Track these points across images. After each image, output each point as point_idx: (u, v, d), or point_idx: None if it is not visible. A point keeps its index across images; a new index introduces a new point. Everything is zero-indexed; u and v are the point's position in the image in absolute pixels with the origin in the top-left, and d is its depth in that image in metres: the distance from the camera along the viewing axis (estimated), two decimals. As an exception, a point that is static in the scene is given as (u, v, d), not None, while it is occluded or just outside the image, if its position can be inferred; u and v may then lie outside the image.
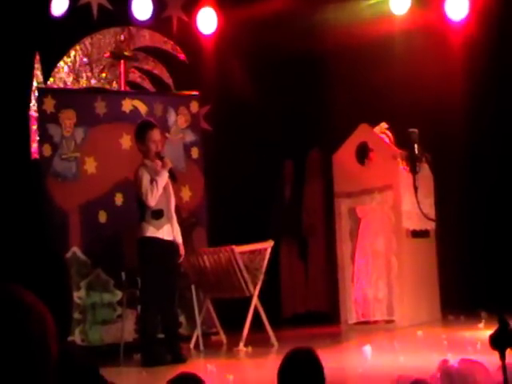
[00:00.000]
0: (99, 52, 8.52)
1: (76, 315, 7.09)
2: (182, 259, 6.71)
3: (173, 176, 6.54)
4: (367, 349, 6.21)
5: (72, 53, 8.44)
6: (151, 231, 6.44)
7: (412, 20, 8.44)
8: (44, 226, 7.24)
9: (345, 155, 8.00)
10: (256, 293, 7.03)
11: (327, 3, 8.68)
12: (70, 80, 8.40)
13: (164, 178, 6.46)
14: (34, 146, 7.77)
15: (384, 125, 7.93)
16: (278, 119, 8.85)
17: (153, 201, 6.40)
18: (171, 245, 6.55)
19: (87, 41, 8.51)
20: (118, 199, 7.49)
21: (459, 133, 8.26)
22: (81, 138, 7.47)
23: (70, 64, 8.43)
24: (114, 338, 7.08)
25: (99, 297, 7.23)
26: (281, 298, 9.04)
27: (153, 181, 6.43)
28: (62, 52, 8.37)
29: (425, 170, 7.85)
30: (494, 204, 8.23)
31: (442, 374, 4.51)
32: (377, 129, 7.97)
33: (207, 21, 8.71)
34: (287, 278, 9.08)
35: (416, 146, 7.69)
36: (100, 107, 7.60)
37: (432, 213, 7.78)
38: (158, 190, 6.40)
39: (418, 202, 7.61)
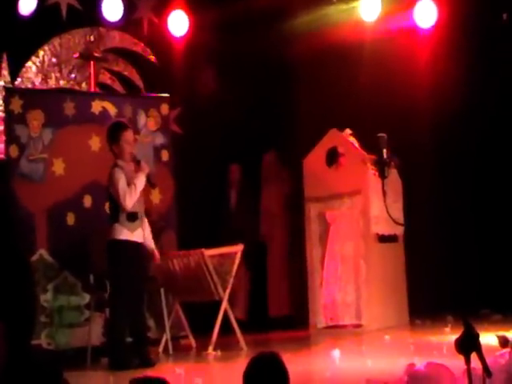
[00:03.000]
0: (68, 52, 8.44)
1: (42, 318, 7.02)
2: (156, 263, 6.67)
3: (151, 183, 6.53)
4: (335, 353, 6.25)
5: (40, 53, 8.36)
6: (125, 234, 6.40)
7: (381, 27, 8.51)
8: (10, 227, 7.15)
9: (315, 160, 8.03)
10: (226, 297, 7.02)
11: (298, 8, 8.70)
12: (38, 80, 8.31)
13: (142, 182, 6.44)
14: (1, 146, 7.67)
15: (348, 131, 7.98)
16: (242, 122, 8.84)
17: (130, 204, 6.37)
18: (142, 248, 6.52)
19: (56, 41, 8.43)
20: (87, 201, 7.43)
21: (427, 137, 8.36)
22: (49, 139, 7.40)
23: (38, 64, 8.34)
24: (81, 342, 7.01)
25: (66, 300, 7.15)
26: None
27: (130, 183, 6.39)
28: (30, 52, 8.28)
29: (393, 174, 7.90)
30: (461, 209, 8.33)
31: (408, 377, 4.55)
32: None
33: (178, 23, 8.67)
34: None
35: (384, 150, 7.74)
36: (69, 108, 7.53)
37: (400, 217, 7.84)
38: (137, 194, 6.38)
39: (386, 207, 7.67)
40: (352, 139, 7.96)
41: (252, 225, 8.76)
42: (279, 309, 8.78)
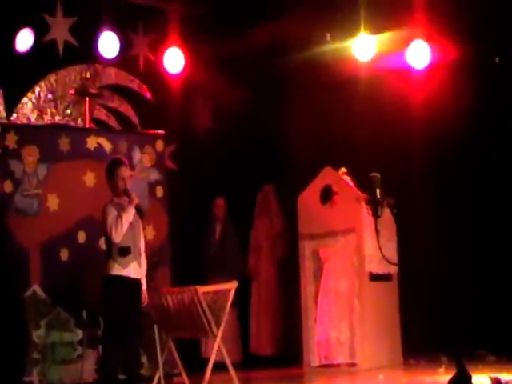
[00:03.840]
0: (64, 89, 8.48)
1: (35, 355, 6.97)
2: (145, 304, 6.62)
3: (140, 211, 6.49)
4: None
5: (36, 89, 8.39)
6: (117, 269, 6.35)
7: (376, 66, 8.60)
8: (3, 263, 7.11)
9: (309, 197, 8.05)
10: (219, 334, 6.97)
11: (293, 46, 8.79)
12: (33, 116, 8.34)
13: (130, 214, 6.40)
14: (-4, 182, 7.67)
15: (342, 169, 8.02)
16: (236, 158, 8.87)
17: (117, 237, 6.31)
18: (137, 283, 6.46)
19: (52, 77, 8.48)
20: (81, 237, 7.42)
21: (421, 176, 8.40)
22: (43, 174, 7.41)
23: (34, 100, 8.37)
24: (73, 379, 6.97)
25: (59, 336, 7.11)
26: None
27: (118, 217, 6.38)
28: (26, 88, 8.32)
29: (387, 214, 7.91)
30: (455, 249, 8.34)
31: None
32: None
33: (174, 60, 8.74)
34: None
35: (378, 190, 7.77)
36: (64, 144, 7.56)
37: (394, 257, 7.84)
38: (123, 225, 6.33)
39: (379, 247, 7.67)
40: (346, 178, 8.00)
41: (236, 260, 8.66)
42: (264, 348, 8.71)
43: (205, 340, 8.38)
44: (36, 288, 7.13)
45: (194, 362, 7.96)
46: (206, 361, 6.85)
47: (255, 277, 8.84)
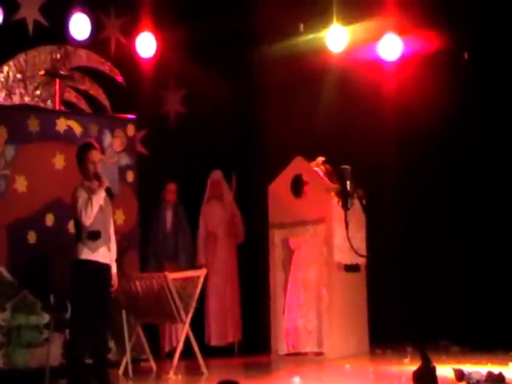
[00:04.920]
0: (34, 69, 8.34)
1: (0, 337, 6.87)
2: (114, 289, 6.56)
3: (110, 194, 6.42)
4: (296, 380, 6.24)
5: (5, 68, 8.24)
6: (86, 253, 6.28)
7: (348, 57, 8.64)
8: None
9: (280, 186, 8.06)
10: (188, 320, 6.96)
11: (266, 35, 8.78)
12: (2, 96, 8.19)
13: (100, 197, 6.33)
14: (-39, 162, 7.53)
15: (320, 158, 8.04)
16: (207, 145, 8.81)
17: (87, 219, 6.25)
18: (106, 268, 6.40)
19: (21, 57, 8.32)
20: (49, 220, 7.32)
21: (392, 168, 8.46)
22: (11, 155, 7.29)
23: (2, 79, 8.22)
24: (39, 362, 6.87)
25: (25, 319, 7.01)
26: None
27: (88, 199, 6.31)
28: (-6, 67, 8.19)
29: (356, 205, 7.93)
30: (422, 239, 8.42)
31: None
32: (314, 163, 8.07)
33: (146, 44, 8.66)
34: None
35: (348, 182, 7.78)
36: (33, 125, 7.45)
37: (363, 248, 7.88)
38: (93, 208, 6.26)
39: (348, 238, 7.69)
40: (323, 167, 8.01)
41: (189, 248, 8.52)
42: (221, 338, 8.50)
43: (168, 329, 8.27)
44: (2, 270, 7.02)
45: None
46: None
47: (210, 265, 8.46)
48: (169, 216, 8.48)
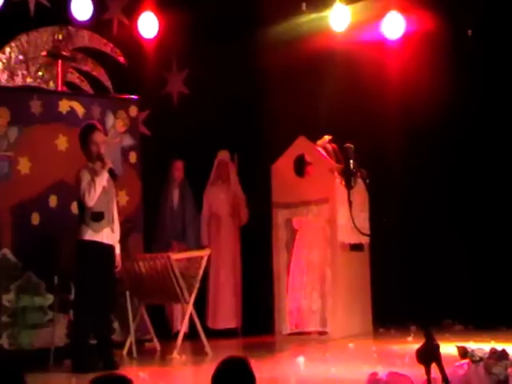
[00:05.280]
0: (36, 50, 8.32)
1: (5, 318, 6.90)
2: (118, 269, 6.58)
3: (112, 174, 6.44)
4: (300, 359, 6.26)
5: (7, 49, 8.22)
6: (90, 234, 6.32)
7: (351, 36, 8.59)
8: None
9: (283, 166, 8.05)
10: (191, 301, 6.99)
11: (268, 15, 8.73)
12: (4, 77, 8.17)
13: (103, 178, 6.36)
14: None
15: (327, 137, 8.02)
16: (211, 125, 8.75)
17: (90, 201, 6.28)
18: (109, 249, 6.44)
19: (23, 38, 8.30)
20: (53, 201, 7.32)
21: (395, 147, 8.44)
22: (14, 137, 7.27)
23: (4, 61, 8.20)
24: (44, 343, 6.89)
25: (30, 300, 7.03)
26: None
27: (91, 181, 6.33)
28: (-4, 48, 8.17)
29: (360, 185, 7.95)
30: (425, 220, 8.42)
31: (371, 386, 4.60)
32: (320, 142, 8.05)
33: (148, 25, 8.62)
34: None
35: (351, 161, 7.78)
36: (35, 106, 7.42)
37: (366, 227, 7.89)
38: (96, 190, 6.30)
39: (352, 217, 7.71)
40: (329, 145, 7.99)
41: (196, 226, 8.45)
42: (226, 321, 8.39)
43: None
44: (6, 252, 7.03)
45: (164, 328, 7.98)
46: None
47: (213, 247, 8.26)
48: (175, 194, 8.42)
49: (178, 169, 8.39)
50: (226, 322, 8.42)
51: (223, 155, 8.60)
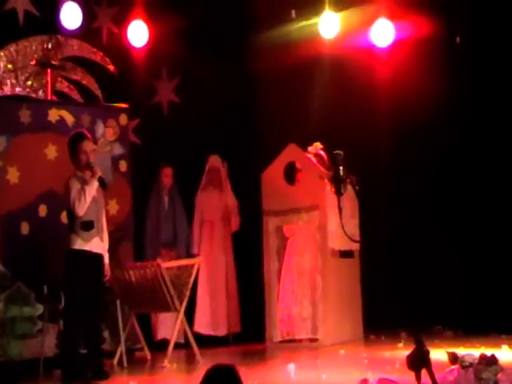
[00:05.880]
0: (25, 59, 8.31)
1: (-6, 329, 6.88)
2: (107, 279, 6.57)
3: (102, 183, 6.43)
4: (291, 367, 6.25)
5: (-4, 59, 8.23)
6: (79, 243, 6.30)
7: (340, 43, 8.62)
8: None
9: (273, 174, 8.06)
10: (182, 309, 6.97)
11: (258, 22, 8.76)
12: (-7, 87, 8.17)
13: (93, 187, 6.35)
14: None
15: (318, 145, 8.02)
16: (201, 134, 8.75)
17: (80, 210, 6.26)
18: (99, 258, 6.42)
19: (12, 47, 8.30)
20: (42, 211, 7.31)
21: (385, 154, 8.46)
22: (3, 146, 7.28)
23: (-7, 70, 8.21)
24: (33, 353, 6.87)
25: (19, 310, 7.01)
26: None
27: (81, 190, 6.32)
28: (-15, 57, 8.16)
29: (350, 191, 7.94)
30: (415, 227, 8.43)
31: (361, 393, 4.60)
32: (311, 148, 8.05)
33: (138, 33, 8.62)
34: None
35: (341, 167, 7.78)
36: (24, 116, 7.43)
37: (356, 234, 7.89)
38: (86, 199, 6.28)
39: (342, 224, 7.70)
40: (321, 153, 8.00)
41: (186, 234, 8.37)
42: (216, 328, 8.31)
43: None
44: (-5, 262, 7.02)
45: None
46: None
47: (206, 254, 8.32)
48: (165, 201, 8.35)
49: (167, 175, 8.32)
50: (220, 329, 8.35)
51: (214, 160, 8.52)
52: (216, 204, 8.49)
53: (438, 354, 5.61)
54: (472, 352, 5.30)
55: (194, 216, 8.51)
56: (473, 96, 8.32)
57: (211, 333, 8.35)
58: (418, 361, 4.88)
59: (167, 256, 7.97)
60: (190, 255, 8.19)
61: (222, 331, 8.36)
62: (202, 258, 7.98)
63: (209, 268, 8.37)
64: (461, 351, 5.55)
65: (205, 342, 7.97)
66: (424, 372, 4.78)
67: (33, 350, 6.91)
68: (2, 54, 8.24)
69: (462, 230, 8.35)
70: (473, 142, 8.41)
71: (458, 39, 8.56)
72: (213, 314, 8.40)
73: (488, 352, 5.05)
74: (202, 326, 8.34)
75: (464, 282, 8.27)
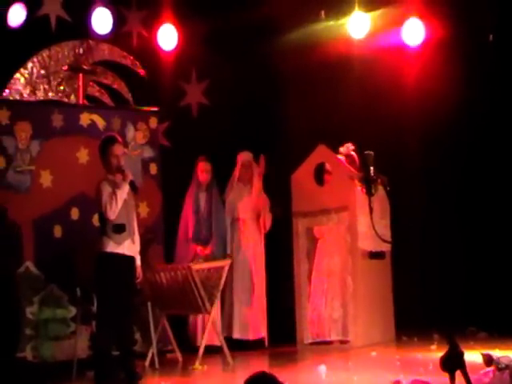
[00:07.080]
0: (57, 64, 8.43)
1: (28, 331, 6.98)
2: (139, 281, 6.61)
3: (133, 187, 6.46)
4: (322, 368, 6.24)
5: (29, 64, 8.33)
6: (111, 246, 6.34)
7: (370, 43, 8.58)
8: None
9: (303, 175, 8.05)
10: (213, 311, 7.00)
11: (287, 23, 8.75)
12: (26, 92, 8.28)
13: (124, 191, 6.38)
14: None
15: (350, 145, 8.00)
16: (230, 136, 8.74)
17: (112, 214, 6.30)
18: (131, 261, 6.46)
19: (45, 53, 8.41)
20: (74, 214, 7.40)
21: (415, 155, 8.41)
22: (36, 150, 7.39)
23: (26, 76, 8.31)
24: (66, 355, 6.97)
25: (52, 312, 7.11)
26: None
27: (113, 194, 6.37)
28: (19, 63, 8.26)
29: (380, 192, 7.91)
30: (448, 226, 8.37)
31: (394, 394, 4.58)
32: (343, 149, 8.03)
33: (167, 37, 8.67)
34: None
35: (372, 168, 7.75)
36: (57, 120, 7.53)
37: (387, 234, 7.85)
38: (118, 203, 6.32)
39: (373, 224, 7.67)
40: (353, 154, 7.98)
41: (223, 232, 8.09)
42: (247, 332, 8.08)
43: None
44: (29, 264, 7.12)
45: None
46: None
47: (239, 253, 8.12)
48: (202, 198, 8.06)
49: (205, 170, 7.98)
50: (251, 333, 8.16)
51: (246, 156, 8.25)
52: (247, 202, 8.25)
53: (473, 355, 5.57)
54: (508, 354, 5.25)
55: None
56: (503, 97, 8.24)
57: (241, 336, 8.14)
58: (452, 362, 4.84)
59: (203, 253, 7.92)
60: (226, 253, 8.06)
61: (252, 334, 8.17)
62: (233, 259, 7.85)
63: (239, 270, 8.15)
64: (496, 353, 5.51)
65: (236, 344, 7.94)
66: (458, 374, 4.74)
67: (66, 352, 7.01)
68: (35, 59, 8.37)
69: (497, 230, 8.28)
70: (503, 142, 8.32)
71: (490, 37, 8.48)
72: (243, 316, 8.19)
73: (524, 354, 5.00)
74: (234, 329, 8.15)
75: (498, 283, 8.19)
